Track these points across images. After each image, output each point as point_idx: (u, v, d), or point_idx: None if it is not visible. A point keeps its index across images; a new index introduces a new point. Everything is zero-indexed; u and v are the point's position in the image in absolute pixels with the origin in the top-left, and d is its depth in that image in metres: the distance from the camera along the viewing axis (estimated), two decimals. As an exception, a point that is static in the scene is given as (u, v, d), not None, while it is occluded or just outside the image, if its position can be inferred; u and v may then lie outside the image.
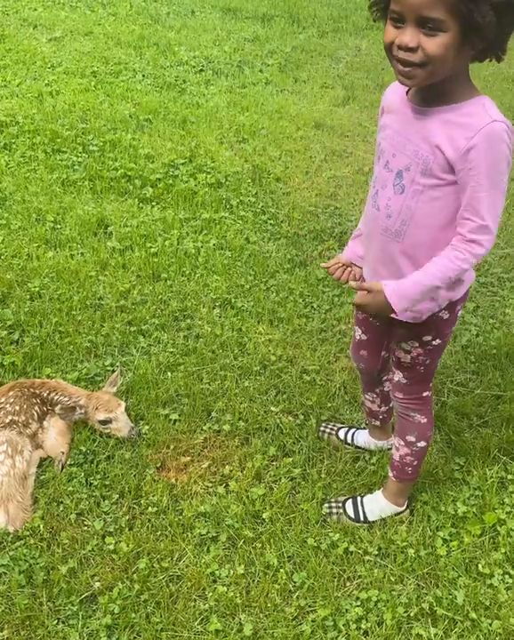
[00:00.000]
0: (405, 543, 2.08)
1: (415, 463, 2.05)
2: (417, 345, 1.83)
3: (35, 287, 3.00)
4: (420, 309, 1.69)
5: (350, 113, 5.06)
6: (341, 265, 1.94)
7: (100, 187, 3.79)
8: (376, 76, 5.76)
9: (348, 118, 4.96)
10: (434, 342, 1.82)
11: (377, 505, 2.13)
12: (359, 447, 2.38)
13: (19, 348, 2.68)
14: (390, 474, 2.11)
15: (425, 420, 1.99)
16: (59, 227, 3.46)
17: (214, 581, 1.97)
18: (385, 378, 2.17)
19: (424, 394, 1.96)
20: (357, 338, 2.08)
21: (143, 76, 5.34)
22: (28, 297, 2.96)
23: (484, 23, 1.33)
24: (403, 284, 1.61)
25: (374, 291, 1.63)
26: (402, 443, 2.04)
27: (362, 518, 2.12)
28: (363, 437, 2.39)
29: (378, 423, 2.31)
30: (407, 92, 1.59)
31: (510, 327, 3.05)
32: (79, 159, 4.02)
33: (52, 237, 3.36)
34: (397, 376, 1.94)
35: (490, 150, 1.46)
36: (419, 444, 2.02)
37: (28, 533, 2.04)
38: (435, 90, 1.48)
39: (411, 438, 2.01)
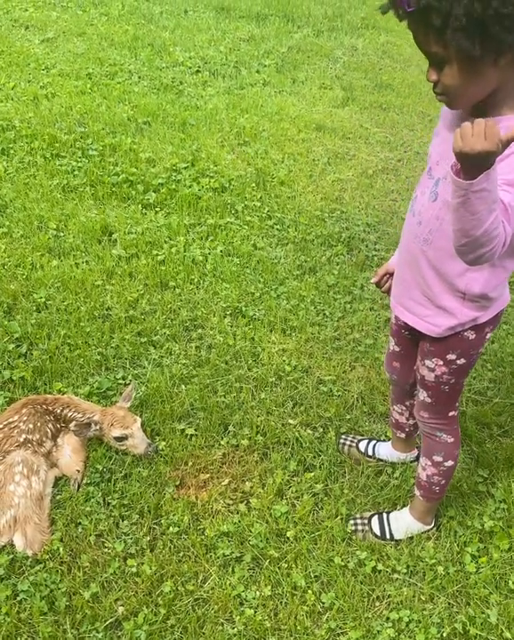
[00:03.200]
0: (433, 560, 2.04)
1: (443, 483, 2.01)
2: (441, 363, 1.79)
3: (40, 298, 2.93)
4: (464, 221, 1.30)
5: (351, 114, 5.01)
6: (388, 275, 1.91)
7: (101, 192, 3.72)
8: (374, 76, 5.72)
9: (348, 120, 4.90)
10: (458, 362, 1.77)
11: (404, 523, 2.09)
12: (381, 459, 2.34)
13: (28, 362, 2.61)
14: (417, 493, 2.06)
15: (452, 439, 1.95)
16: (61, 234, 3.38)
17: (241, 604, 1.92)
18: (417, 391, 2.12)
19: (450, 414, 1.92)
20: (391, 349, 2.05)
21: (139, 77, 5.25)
22: (35, 308, 2.89)
23: (463, 46, 1.27)
24: (494, 176, 1.27)
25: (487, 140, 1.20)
26: (429, 463, 1.99)
27: (388, 536, 2.08)
28: (385, 449, 2.34)
29: (403, 436, 2.26)
30: None
31: (524, 333, 3.02)
32: (79, 164, 3.94)
33: (56, 245, 3.29)
34: (422, 394, 1.90)
35: None
36: (446, 464, 1.97)
37: (47, 557, 1.97)
38: (483, 102, 1.43)
39: (438, 458, 1.97)
